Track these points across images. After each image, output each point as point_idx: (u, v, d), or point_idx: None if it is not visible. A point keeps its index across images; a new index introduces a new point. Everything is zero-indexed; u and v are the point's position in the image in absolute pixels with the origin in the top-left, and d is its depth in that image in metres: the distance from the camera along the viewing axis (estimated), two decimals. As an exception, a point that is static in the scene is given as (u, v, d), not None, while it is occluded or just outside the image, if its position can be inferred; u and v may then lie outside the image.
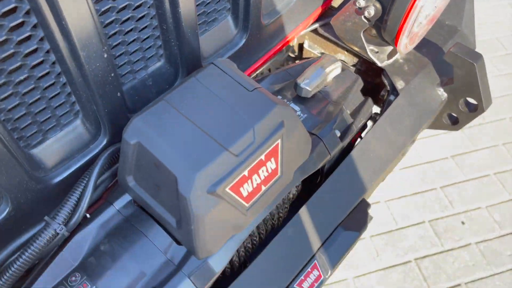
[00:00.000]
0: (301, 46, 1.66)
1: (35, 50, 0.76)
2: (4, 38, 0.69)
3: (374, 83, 1.53)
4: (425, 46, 1.44)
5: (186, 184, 0.81)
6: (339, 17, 1.32)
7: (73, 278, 0.88)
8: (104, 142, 0.96)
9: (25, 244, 0.88)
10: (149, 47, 0.98)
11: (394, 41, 1.20)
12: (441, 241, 2.72)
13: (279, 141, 0.92)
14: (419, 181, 2.94)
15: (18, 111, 0.80)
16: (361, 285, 2.54)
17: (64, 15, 0.72)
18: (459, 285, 2.53)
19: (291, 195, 1.16)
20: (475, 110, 1.37)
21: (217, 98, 0.90)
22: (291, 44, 1.63)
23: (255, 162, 0.89)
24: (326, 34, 1.47)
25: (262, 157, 0.90)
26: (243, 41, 1.13)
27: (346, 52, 1.54)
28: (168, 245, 0.92)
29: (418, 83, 1.35)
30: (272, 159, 0.93)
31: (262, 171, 0.92)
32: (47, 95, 0.83)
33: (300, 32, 1.44)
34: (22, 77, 0.77)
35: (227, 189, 0.85)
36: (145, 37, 0.95)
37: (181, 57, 1.01)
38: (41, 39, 0.76)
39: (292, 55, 1.66)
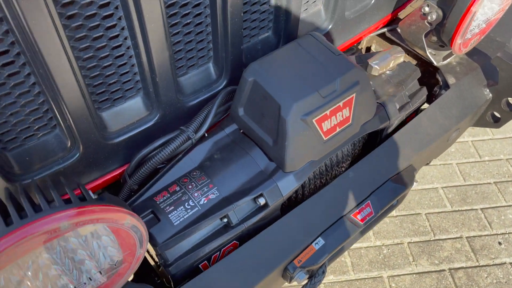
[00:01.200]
0: (368, 49, 1.98)
1: (199, 14, 1.13)
2: None
3: (429, 83, 1.82)
4: (476, 54, 1.72)
5: (286, 110, 1.13)
6: (406, 21, 1.63)
7: (194, 173, 1.22)
8: (224, 83, 1.31)
9: (162, 145, 1.23)
10: (263, 20, 1.33)
11: (450, 41, 1.49)
12: (476, 257, 2.85)
13: (354, 94, 1.23)
14: (460, 200, 3.09)
15: (178, 46, 1.16)
16: (395, 284, 2.72)
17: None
18: (490, 298, 2.65)
19: (356, 150, 1.45)
20: (515, 110, 1.62)
21: (311, 56, 1.23)
22: (360, 47, 1.95)
23: (336, 105, 1.20)
24: (392, 37, 1.79)
25: (341, 103, 1.21)
26: (330, 27, 1.46)
27: (407, 55, 1.85)
28: (263, 160, 1.24)
29: (467, 81, 1.62)
30: (347, 108, 1.24)
31: (339, 115, 1.23)
32: (197, 39, 1.19)
33: (371, 33, 1.76)
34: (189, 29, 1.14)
35: (313, 120, 1.17)
36: (263, 18, 1.32)
37: (284, 31, 1.36)
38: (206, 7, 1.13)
39: (361, 55, 1.98)
